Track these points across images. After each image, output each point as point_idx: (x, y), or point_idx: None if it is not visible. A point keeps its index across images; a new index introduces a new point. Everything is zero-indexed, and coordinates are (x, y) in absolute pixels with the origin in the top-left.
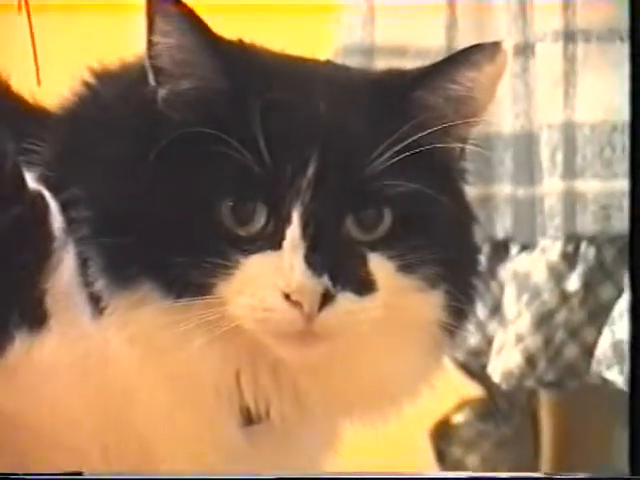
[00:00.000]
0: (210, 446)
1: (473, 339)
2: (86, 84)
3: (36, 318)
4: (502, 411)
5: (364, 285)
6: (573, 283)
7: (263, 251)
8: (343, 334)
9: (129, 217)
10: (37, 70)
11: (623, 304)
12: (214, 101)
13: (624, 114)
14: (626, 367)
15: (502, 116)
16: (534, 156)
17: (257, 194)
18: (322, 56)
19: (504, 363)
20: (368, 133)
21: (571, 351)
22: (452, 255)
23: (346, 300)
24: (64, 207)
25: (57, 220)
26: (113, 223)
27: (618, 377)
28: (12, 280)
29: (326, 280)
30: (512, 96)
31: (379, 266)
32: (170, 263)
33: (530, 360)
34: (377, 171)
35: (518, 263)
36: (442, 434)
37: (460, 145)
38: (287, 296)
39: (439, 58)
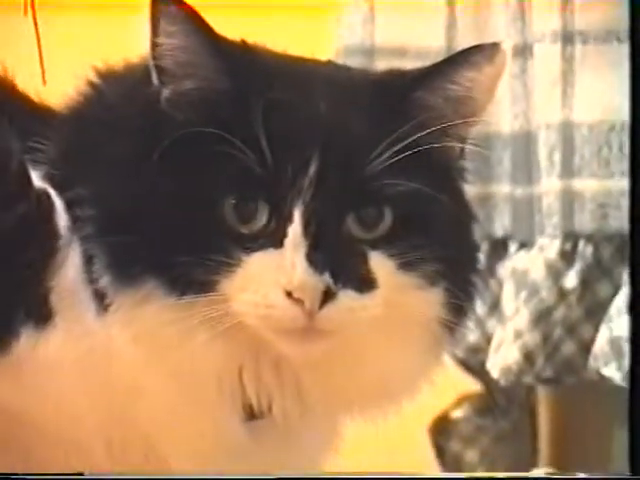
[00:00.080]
0: (213, 441)
1: (472, 336)
2: (91, 84)
3: (41, 315)
4: (500, 406)
5: (365, 283)
6: (571, 280)
7: (265, 249)
8: (344, 331)
9: (133, 215)
10: (42, 70)
11: (620, 301)
12: (217, 101)
13: (621, 114)
14: (624, 363)
15: (501, 116)
16: (532, 155)
17: (259, 193)
18: (323, 56)
19: (503, 359)
20: (368, 133)
21: (569, 347)
22: (452, 253)
23: (347, 297)
24: (69, 205)
25: (62, 218)
26: (117, 221)
27: (615, 373)
28: (18, 277)
29: (327, 278)
30: (511, 96)
31: (380, 264)
32: (174, 261)
33: (528, 356)
34: (377, 170)
35: (517, 261)
36: (441, 429)
37: (459, 145)
38: (289, 293)
39: (439, 58)
